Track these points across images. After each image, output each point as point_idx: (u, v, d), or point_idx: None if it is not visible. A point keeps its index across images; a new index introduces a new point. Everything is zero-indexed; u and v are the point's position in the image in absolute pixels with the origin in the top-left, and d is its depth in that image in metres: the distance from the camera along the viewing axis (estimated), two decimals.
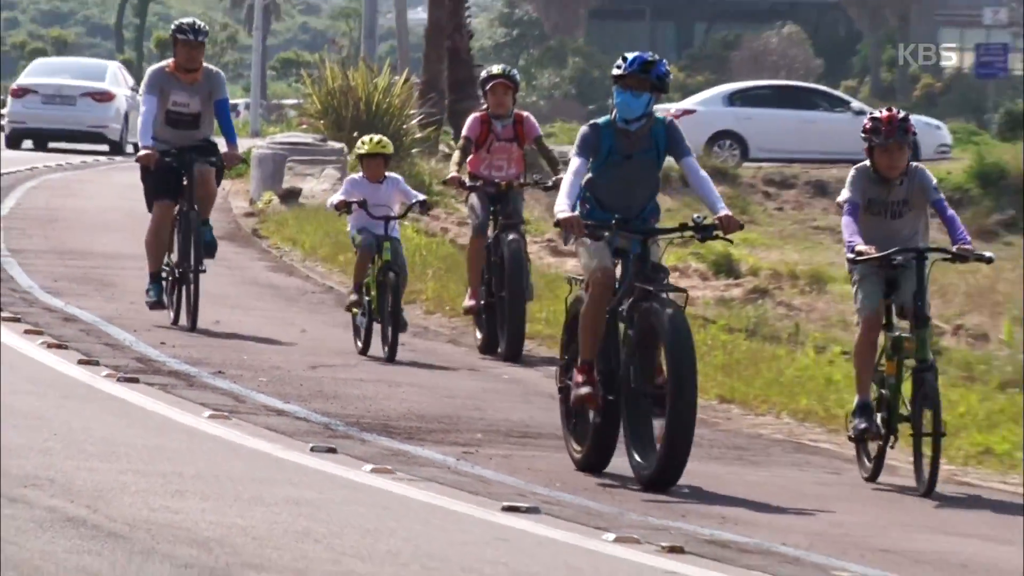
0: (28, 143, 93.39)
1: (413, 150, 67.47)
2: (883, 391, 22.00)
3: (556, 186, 30.85)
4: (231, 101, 32.04)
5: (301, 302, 40.98)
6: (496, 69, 34.51)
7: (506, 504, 22.49)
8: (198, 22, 32.45)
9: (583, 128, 20.55)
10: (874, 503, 25.42)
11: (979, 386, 33.83)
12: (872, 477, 22.80)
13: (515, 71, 36.32)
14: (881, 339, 23.11)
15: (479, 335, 33.56)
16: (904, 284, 21.60)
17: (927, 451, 22.21)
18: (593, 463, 21.60)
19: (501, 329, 32.55)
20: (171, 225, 32.39)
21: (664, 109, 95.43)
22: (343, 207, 31.38)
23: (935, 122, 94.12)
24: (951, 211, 21.61)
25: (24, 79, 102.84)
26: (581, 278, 21.53)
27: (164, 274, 32.71)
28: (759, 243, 61.21)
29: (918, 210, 21.45)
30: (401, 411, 28.84)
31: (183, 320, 33.55)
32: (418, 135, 69.14)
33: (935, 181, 21.92)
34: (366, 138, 31.72)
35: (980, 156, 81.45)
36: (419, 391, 30.66)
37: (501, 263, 31.92)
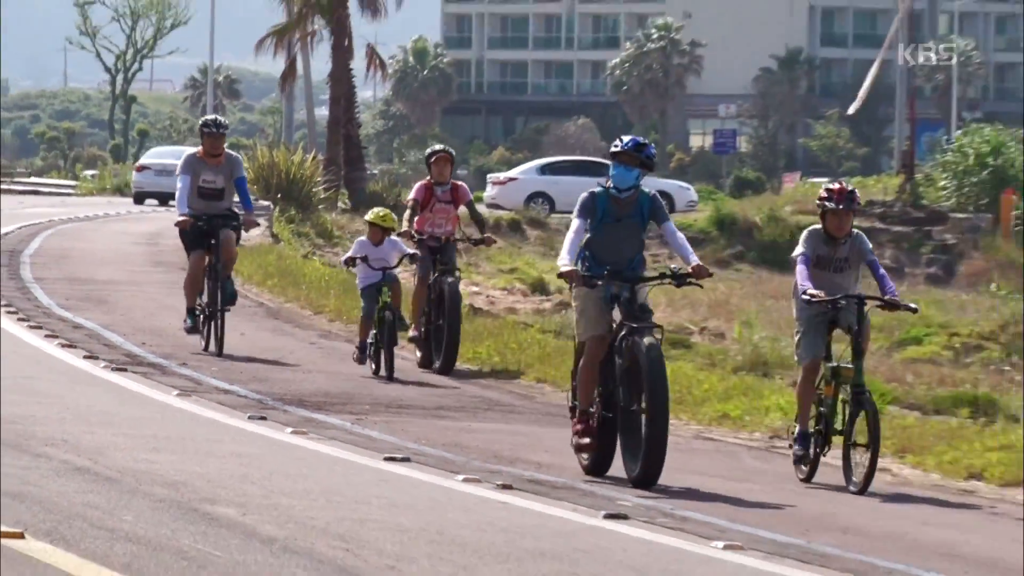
0: (152, 200, 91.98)
1: (320, 207, 67.60)
2: (821, 409, 21.14)
3: (483, 241, 31.98)
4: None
5: (240, 314, 40.49)
6: (439, 146, 32.95)
7: (386, 455, 22.71)
8: (220, 118, 31.62)
9: (583, 195, 20.03)
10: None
11: (718, 370, 33.57)
12: (808, 479, 21.72)
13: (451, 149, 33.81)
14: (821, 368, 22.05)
15: (419, 354, 32.01)
16: (844, 319, 20.81)
17: (856, 457, 21.24)
18: (598, 468, 20.62)
19: (436, 350, 31.16)
20: (203, 271, 31.48)
21: (494, 177, 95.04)
22: (350, 262, 30.54)
23: (686, 185, 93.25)
24: (882, 269, 21.12)
25: (144, 160, 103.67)
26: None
27: (197, 311, 31.82)
28: (531, 272, 59.93)
29: (855, 267, 20.75)
30: (312, 390, 28.91)
31: (212, 347, 32.08)
32: (322, 196, 69.14)
33: (870, 245, 21.32)
34: (376, 210, 30.71)
35: (717, 208, 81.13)
36: (325, 376, 30.66)
37: (440, 299, 30.69)
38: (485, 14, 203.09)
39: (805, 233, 20.62)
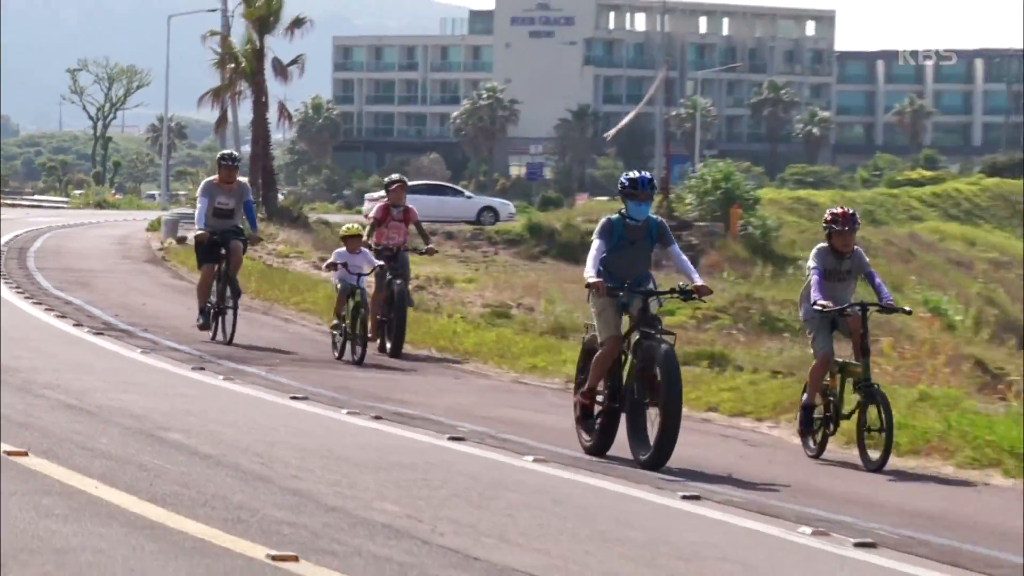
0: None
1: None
2: (830, 398, 19.06)
3: (428, 252, 30.46)
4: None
5: (187, 295, 40.24)
6: (396, 176, 30.71)
7: (291, 395, 22.63)
8: (234, 153, 30.70)
9: (603, 220, 18.52)
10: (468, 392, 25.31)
11: (529, 333, 33.38)
12: (817, 455, 19.27)
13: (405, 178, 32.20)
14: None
15: (378, 342, 29.34)
16: (842, 325, 18.97)
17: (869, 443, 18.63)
18: (599, 449, 18.52)
19: (388, 336, 29.03)
20: (211, 280, 29.29)
21: (370, 195, 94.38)
22: (332, 267, 28.20)
23: (507, 202, 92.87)
24: (879, 279, 19.36)
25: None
26: (592, 324, 18.95)
27: (208, 309, 29.40)
28: (421, 262, 59.60)
29: (855, 278, 19.16)
30: (253, 348, 28.76)
31: (219, 337, 29.31)
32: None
33: (868, 259, 19.76)
34: (347, 226, 29.16)
35: (529, 219, 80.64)
36: (248, 339, 30.40)
37: (391, 298, 28.65)
38: (364, 79, 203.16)
39: (815, 250, 19.05)
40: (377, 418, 20.84)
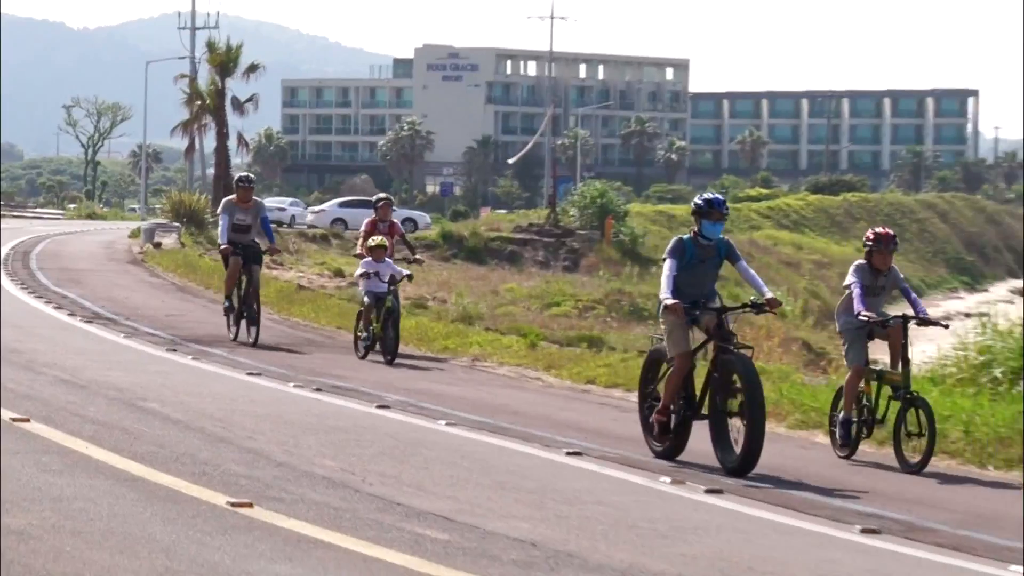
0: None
1: (208, 226, 66.16)
2: (865, 404, 16.91)
3: (416, 261, 27.91)
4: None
5: (161, 290, 39.95)
6: (382, 195, 28.22)
7: (248, 371, 22.50)
8: (250, 175, 28.16)
9: (674, 239, 16.15)
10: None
11: (443, 321, 33.25)
12: (848, 456, 17.00)
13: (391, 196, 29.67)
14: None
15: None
16: (879, 332, 16.89)
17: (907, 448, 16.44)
18: (670, 454, 16.12)
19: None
20: (238, 271, 26.83)
21: (312, 208, 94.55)
22: (364, 276, 25.59)
23: (424, 214, 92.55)
24: (913, 293, 17.25)
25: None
26: (660, 337, 16.67)
27: (232, 301, 27.10)
28: (332, 265, 58.95)
29: (889, 292, 17.10)
30: (203, 334, 28.43)
31: (244, 337, 26.70)
32: (210, 220, 67.67)
33: (903, 275, 17.70)
34: (376, 238, 25.96)
35: (442, 228, 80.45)
36: (212, 325, 30.15)
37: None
38: (307, 114, 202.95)
39: (854, 267, 16.92)
40: (318, 390, 20.75)
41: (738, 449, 15.38)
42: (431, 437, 17.11)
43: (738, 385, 15.46)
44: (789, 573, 11.01)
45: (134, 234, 64.32)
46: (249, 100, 78.78)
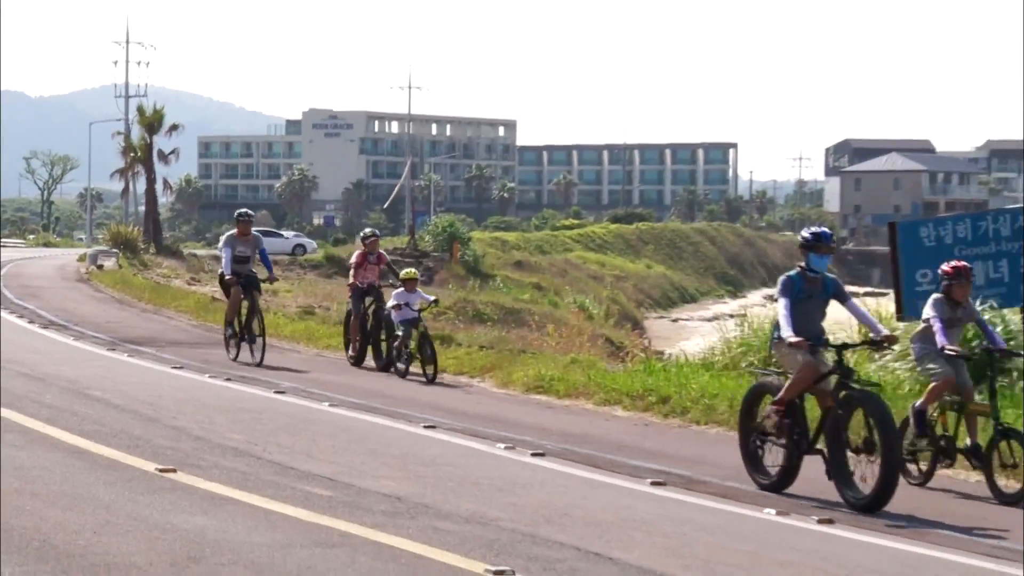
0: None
1: (141, 252, 65.19)
2: (945, 433, 13.52)
3: (394, 285, 23.56)
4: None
5: (103, 302, 39.34)
6: (369, 231, 25.25)
7: (173, 365, 22.24)
8: (249, 211, 24.55)
9: (782, 278, 12.89)
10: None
11: (325, 325, 32.84)
12: (922, 483, 13.56)
13: (378, 231, 27.27)
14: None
15: (351, 355, 23.81)
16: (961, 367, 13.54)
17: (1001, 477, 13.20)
18: (776, 488, 12.69)
19: (376, 355, 23.39)
20: (239, 301, 23.50)
21: (223, 238, 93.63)
22: (396, 308, 22.02)
23: (312, 241, 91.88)
24: (989, 326, 14.21)
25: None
26: (766, 372, 13.84)
27: (235, 327, 23.61)
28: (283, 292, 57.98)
29: (966, 324, 14.03)
30: (136, 336, 28.06)
31: (247, 358, 23.04)
32: (142, 247, 66.79)
33: (977, 307, 15.35)
34: (407, 270, 23.23)
35: (326, 251, 79.89)
36: (143, 330, 29.77)
37: (378, 325, 23.17)
38: (217, 163, 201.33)
39: (932, 300, 13.70)
40: (228, 379, 20.51)
41: (863, 485, 12.10)
42: (317, 416, 17.00)
43: (869, 422, 12.22)
44: (596, 516, 11.05)
45: (81, 258, 63.28)
46: (171, 152, 78.18)
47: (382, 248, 24.69)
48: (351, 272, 24.19)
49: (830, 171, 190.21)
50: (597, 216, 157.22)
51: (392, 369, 22.27)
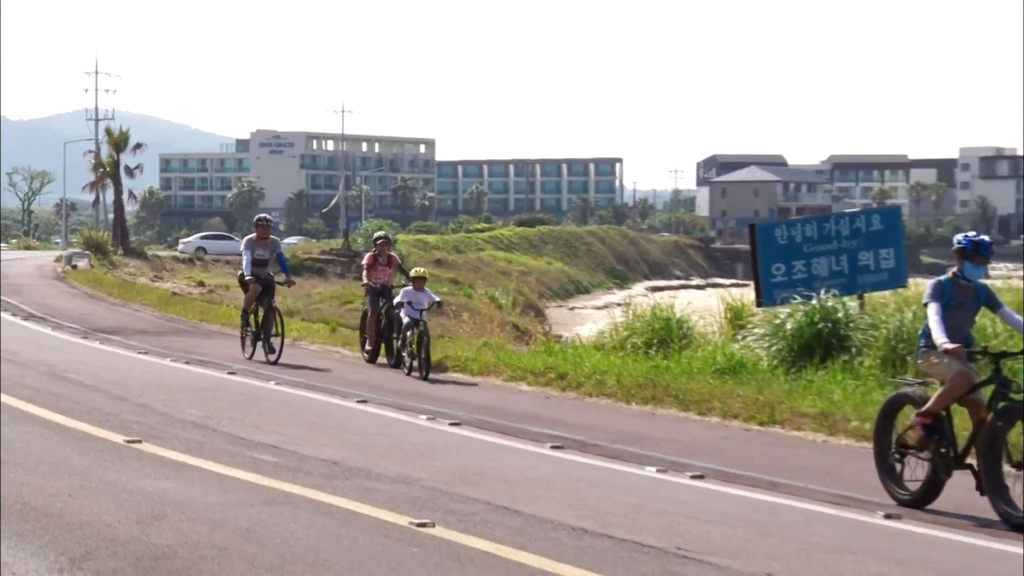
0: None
1: (110, 254, 64.31)
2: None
3: (410, 283, 20.59)
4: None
5: (77, 298, 38.78)
6: (381, 233, 23.46)
7: (139, 351, 21.83)
8: (268, 216, 22.19)
9: (932, 283, 10.39)
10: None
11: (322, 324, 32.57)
12: (916, 504, 10.38)
13: (389, 235, 24.89)
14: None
15: (365, 357, 21.32)
16: None
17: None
18: (918, 503, 10.11)
19: (388, 353, 20.93)
20: (256, 296, 21.14)
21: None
22: (399, 306, 19.86)
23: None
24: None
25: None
26: (910, 382, 11.07)
27: (252, 328, 21.37)
28: (235, 287, 57.32)
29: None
30: (107, 326, 27.66)
31: (262, 356, 20.81)
32: (111, 249, 65.93)
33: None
34: (417, 269, 20.99)
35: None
36: (113, 321, 29.30)
37: (389, 322, 20.77)
38: (177, 177, 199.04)
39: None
40: (187, 362, 20.31)
41: (1020, 502, 9.71)
42: (265, 393, 16.87)
43: None
44: (504, 475, 11.07)
45: (58, 260, 62.15)
46: (136, 168, 77.47)
47: (386, 250, 22.13)
48: (363, 273, 22.03)
49: (701, 181, 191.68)
50: (505, 221, 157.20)
51: (401, 365, 20.01)
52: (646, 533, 8.64)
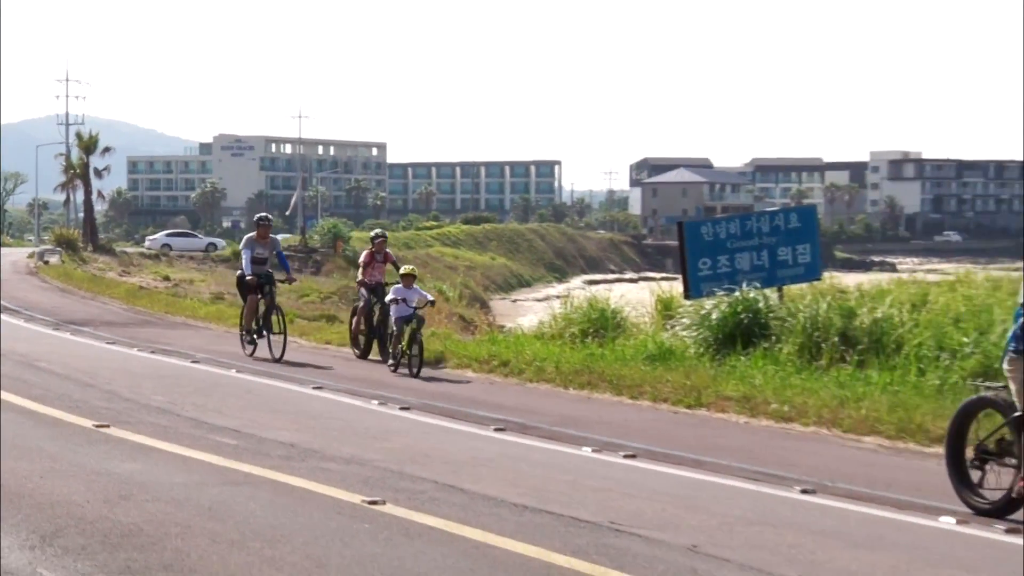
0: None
1: (80, 250, 63.53)
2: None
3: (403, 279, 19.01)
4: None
5: (49, 291, 38.31)
6: (379, 231, 21.07)
7: (107, 341, 21.57)
8: (268, 216, 20.76)
9: None
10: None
11: (233, 308, 32.29)
12: (988, 512, 8.95)
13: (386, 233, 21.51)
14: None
15: (357, 353, 20.13)
16: None
17: None
18: (1000, 513, 8.65)
19: (382, 349, 19.37)
20: (256, 307, 19.81)
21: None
22: (393, 302, 18.31)
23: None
24: None
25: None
26: (992, 386, 9.46)
27: (252, 331, 20.01)
28: (198, 281, 56.86)
29: None
30: (77, 318, 27.35)
31: (266, 354, 19.36)
32: (81, 245, 65.12)
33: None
34: (408, 267, 19.33)
35: (233, 248, 77.98)
36: (83, 313, 28.94)
37: (383, 320, 19.25)
38: (144, 178, 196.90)
39: None
40: (153, 352, 20.11)
41: None
42: (226, 380, 16.74)
43: None
44: (450, 456, 11.05)
45: (31, 256, 61.37)
46: (105, 169, 76.85)
47: (384, 248, 20.61)
48: (360, 270, 20.59)
49: (633, 182, 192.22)
50: (452, 219, 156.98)
51: (390, 361, 18.50)
52: (582, 509, 8.66)
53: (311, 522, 7.95)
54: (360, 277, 20.47)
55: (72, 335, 23.26)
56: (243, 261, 20.23)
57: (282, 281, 20.32)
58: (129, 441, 11.10)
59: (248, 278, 19.97)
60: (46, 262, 54.67)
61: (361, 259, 20.70)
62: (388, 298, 18.82)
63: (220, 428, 12.11)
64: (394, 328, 18.39)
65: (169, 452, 10.57)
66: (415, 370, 17.74)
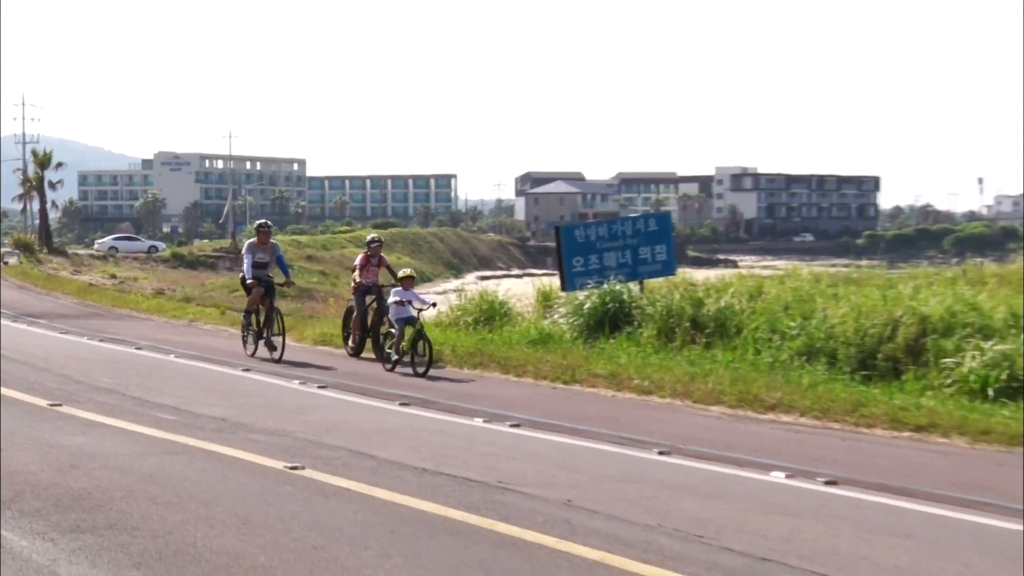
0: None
1: (37, 252, 61.58)
2: None
3: (399, 283, 17.19)
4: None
5: (10, 289, 37.07)
6: (374, 235, 18.81)
7: (61, 331, 20.92)
8: (268, 222, 18.84)
9: None
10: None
11: (172, 301, 31.62)
12: None
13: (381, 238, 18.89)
14: None
15: (349, 352, 18.11)
16: None
17: None
18: None
19: (376, 348, 17.58)
20: (258, 298, 17.88)
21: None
22: (396, 304, 16.35)
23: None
24: None
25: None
26: None
27: (253, 327, 18.01)
28: (141, 279, 55.23)
29: None
30: (33, 312, 26.46)
31: (265, 354, 17.53)
32: (36, 248, 63.09)
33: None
34: (406, 269, 17.46)
35: (172, 251, 76.43)
36: (51, 307, 28.01)
37: (379, 320, 17.37)
38: (93, 190, 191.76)
39: None
40: (101, 340, 19.60)
41: None
42: (167, 364, 16.39)
43: None
44: (361, 427, 10.97)
45: None
46: (58, 182, 75.26)
47: (379, 252, 18.79)
48: (356, 272, 18.57)
49: (518, 192, 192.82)
50: (363, 224, 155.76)
51: (386, 361, 16.57)
52: (474, 470, 8.66)
53: (239, 485, 7.86)
54: (356, 279, 18.50)
55: (28, 326, 22.55)
56: (244, 265, 18.39)
57: (281, 285, 18.35)
58: (79, 417, 10.83)
59: (249, 281, 18.23)
60: (5, 263, 52.99)
61: (357, 262, 18.79)
62: (391, 300, 16.92)
63: (160, 405, 11.87)
64: (393, 329, 16.51)
65: (115, 426, 10.33)
66: (422, 369, 15.56)
